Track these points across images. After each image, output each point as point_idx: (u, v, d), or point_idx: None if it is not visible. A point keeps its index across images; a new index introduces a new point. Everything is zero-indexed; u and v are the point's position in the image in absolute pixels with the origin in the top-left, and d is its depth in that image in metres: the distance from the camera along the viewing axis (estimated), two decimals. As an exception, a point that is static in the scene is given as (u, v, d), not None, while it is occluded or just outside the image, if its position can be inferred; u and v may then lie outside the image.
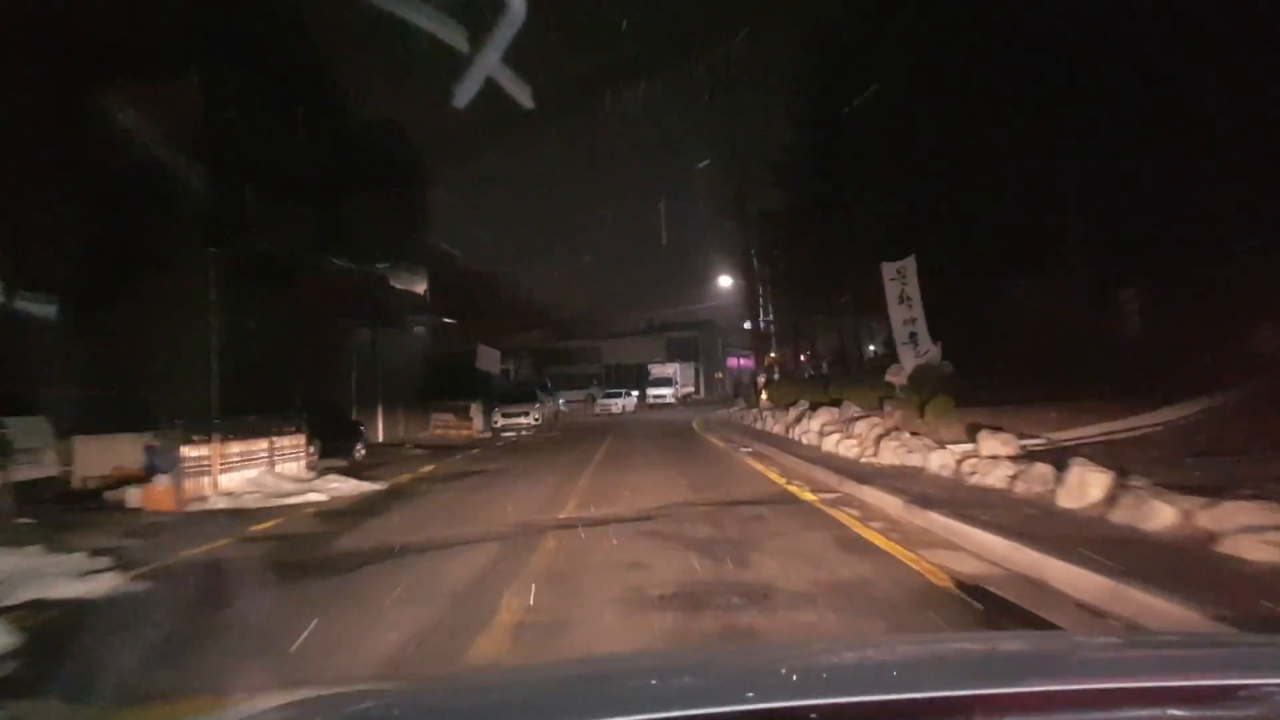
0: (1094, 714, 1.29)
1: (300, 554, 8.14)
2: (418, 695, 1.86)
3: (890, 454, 11.91)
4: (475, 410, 31.23)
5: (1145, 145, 14.81)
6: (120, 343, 14.36)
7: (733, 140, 27.59)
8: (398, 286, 28.98)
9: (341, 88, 26.14)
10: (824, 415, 17.65)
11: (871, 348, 48.81)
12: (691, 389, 63.36)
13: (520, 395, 33.20)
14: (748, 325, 49.19)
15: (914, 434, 12.34)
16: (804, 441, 17.33)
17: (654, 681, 1.75)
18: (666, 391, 57.00)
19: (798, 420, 19.93)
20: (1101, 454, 9.27)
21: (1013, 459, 9.84)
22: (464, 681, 2.38)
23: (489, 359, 34.30)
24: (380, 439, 26.48)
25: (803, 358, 53.05)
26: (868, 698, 1.37)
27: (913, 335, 14.84)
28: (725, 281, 47.07)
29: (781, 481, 12.22)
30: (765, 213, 26.83)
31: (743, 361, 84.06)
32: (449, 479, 14.61)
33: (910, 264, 14.76)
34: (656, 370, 61.10)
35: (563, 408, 44.65)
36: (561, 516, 9.56)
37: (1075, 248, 16.24)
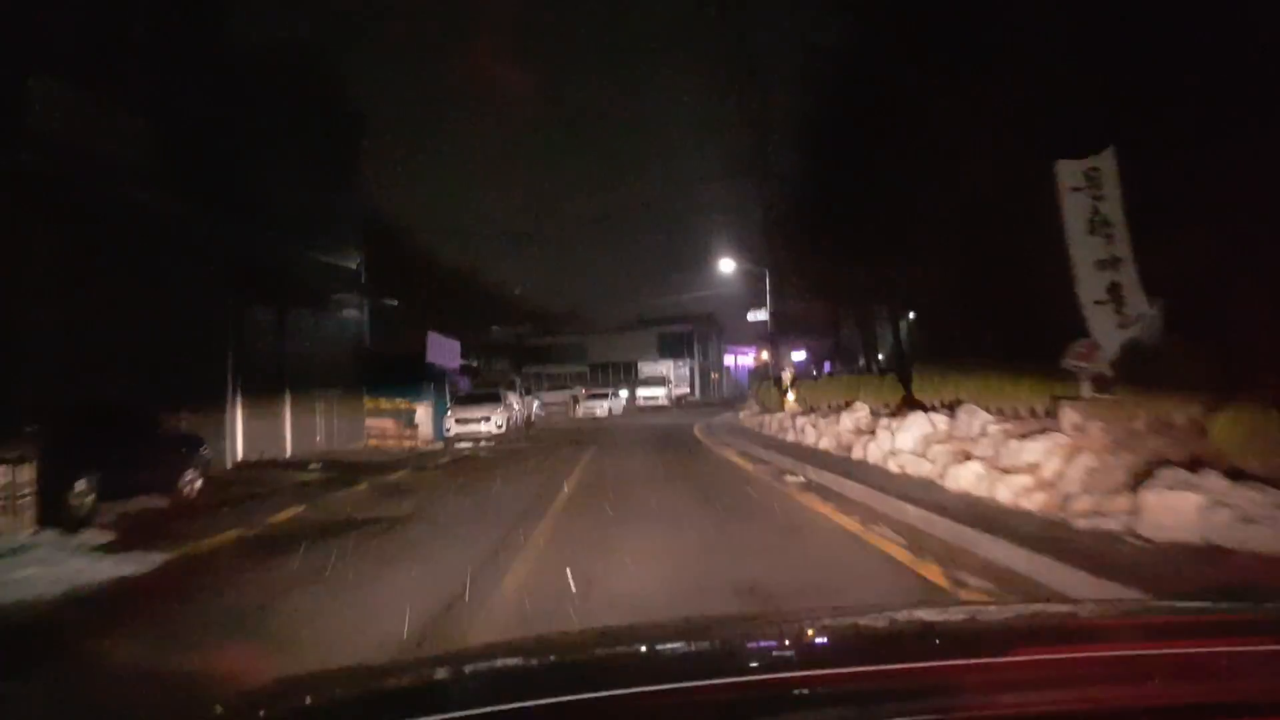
0: (1090, 687, 1.21)
1: None
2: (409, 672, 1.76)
3: (1191, 513, 5.49)
4: (423, 414, 24.78)
5: None
6: None
7: (751, 61, 21.26)
8: (321, 259, 22.44)
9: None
10: (918, 424, 11.29)
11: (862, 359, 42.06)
12: (686, 389, 56.86)
13: (481, 396, 26.59)
14: (754, 316, 42.74)
15: (1194, 465, 5.96)
16: (891, 468, 10.95)
17: (646, 650, 1.72)
18: (659, 392, 50.54)
19: (862, 431, 13.58)
20: None
21: None
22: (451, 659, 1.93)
23: (444, 351, 27.78)
24: (288, 453, 20.01)
25: (804, 355, 46.45)
26: (862, 668, 1.34)
27: (1114, 288, 8.47)
28: (727, 266, 40.44)
29: (903, 556, 5.86)
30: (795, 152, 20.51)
31: (740, 359, 77.75)
32: (283, 548, 8.05)
33: (1107, 163, 8.36)
34: (647, 368, 54.73)
35: (539, 410, 38.14)
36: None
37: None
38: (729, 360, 74.48)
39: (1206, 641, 1.37)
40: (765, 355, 72.57)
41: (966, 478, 8.59)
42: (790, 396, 21.47)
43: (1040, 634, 1.61)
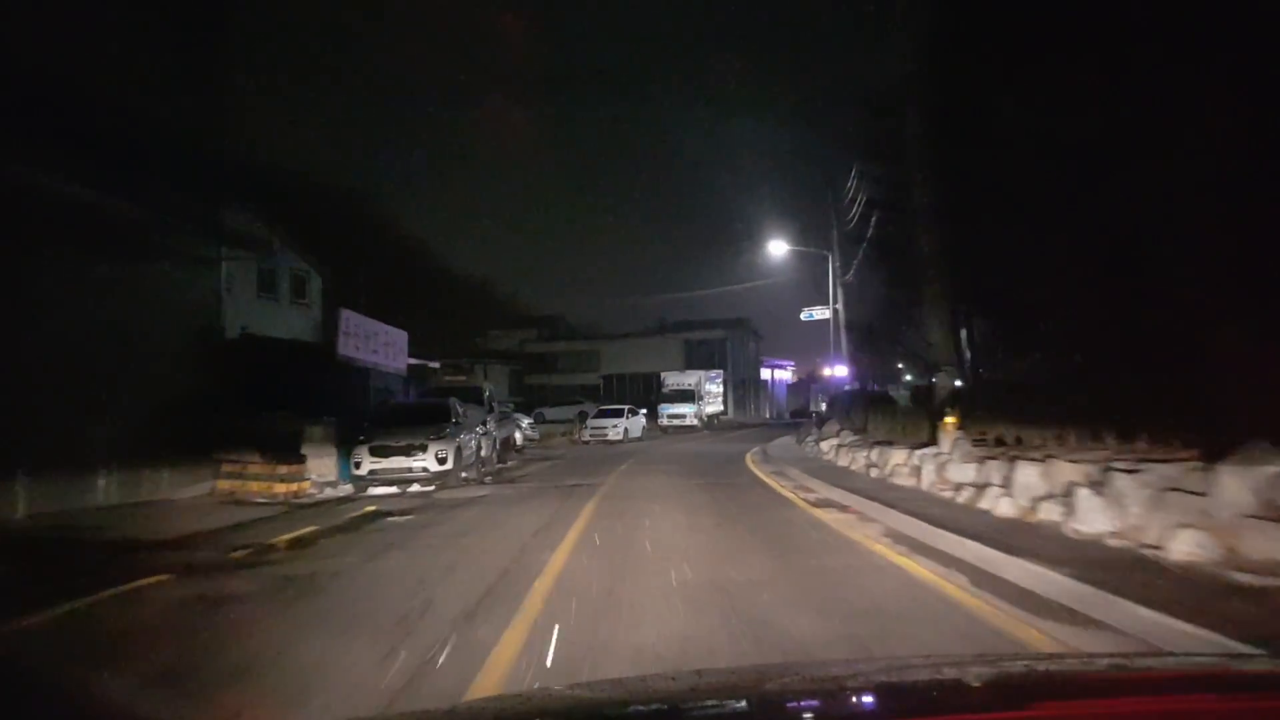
0: None
1: None
2: None
3: None
4: (318, 441, 15.19)
5: None
6: None
7: None
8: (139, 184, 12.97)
9: None
10: None
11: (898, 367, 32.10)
12: (720, 407, 47.00)
13: (418, 411, 16.78)
14: (809, 314, 32.43)
15: None
16: None
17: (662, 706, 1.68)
18: (687, 410, 40.83)
19: None
20: None
21: None
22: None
23: (376, 343, 18.22)
24: (19, 511, 10.59)
25: (847, 371, 35.35)
26: None
27: None
28: (779, 249, 30.48)
29: None
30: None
31: (777, 373, 67.86)
32: None
33: None
34: (673, 381, 44.69)
35: (530, 432, 28.52)
36: None
37: None
38: (765, 374, 64.62)
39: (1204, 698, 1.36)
40: (792, 370, 62.50)
41: None
42: (951, 421, 11.74)
43: (1059, 687, 1.60)
